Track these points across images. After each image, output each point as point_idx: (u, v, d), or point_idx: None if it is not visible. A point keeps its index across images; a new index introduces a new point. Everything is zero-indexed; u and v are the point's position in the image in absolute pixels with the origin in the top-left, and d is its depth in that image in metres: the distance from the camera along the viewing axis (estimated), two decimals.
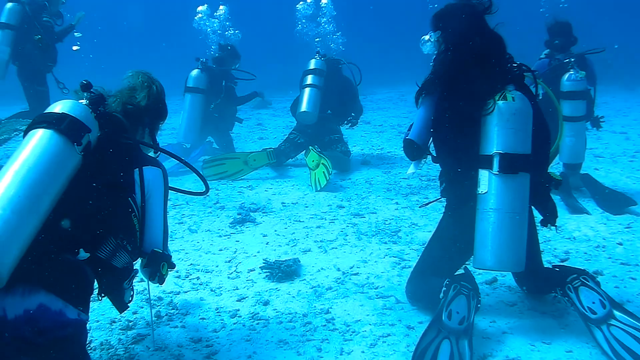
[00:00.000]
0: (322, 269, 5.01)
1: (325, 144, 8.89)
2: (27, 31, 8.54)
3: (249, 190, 7.82)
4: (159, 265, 3.20)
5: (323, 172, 7.70)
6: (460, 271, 4.01)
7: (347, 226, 6.14)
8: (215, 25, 10.77)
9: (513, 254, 3.64)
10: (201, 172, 3.68)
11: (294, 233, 5.97)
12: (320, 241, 5.69)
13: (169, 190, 3.36)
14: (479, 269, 3.80)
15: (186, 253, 5.45)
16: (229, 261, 5.24)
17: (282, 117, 14.55)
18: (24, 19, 8.50)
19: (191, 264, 5.16)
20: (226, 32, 10.80)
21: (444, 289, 3.77)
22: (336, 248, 5.51)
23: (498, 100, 3.63)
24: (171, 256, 3.34)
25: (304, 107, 8.52)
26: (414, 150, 4.04)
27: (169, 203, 3.39)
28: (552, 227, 3.97)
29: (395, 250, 5.39)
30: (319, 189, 7.58)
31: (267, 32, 29.53)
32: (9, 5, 8.44)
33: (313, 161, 8.03)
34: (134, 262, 3.17)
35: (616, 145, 10.06)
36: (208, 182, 3.68)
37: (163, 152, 3.44)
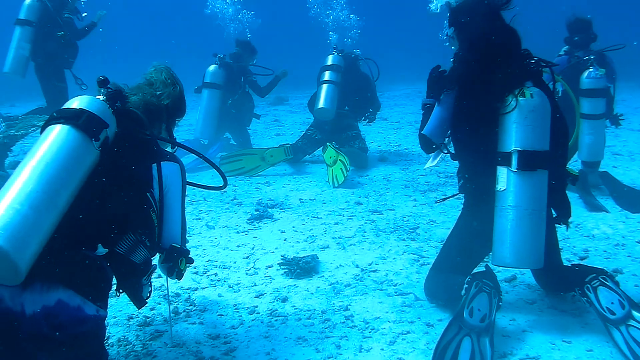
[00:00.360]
0: (340, 265, 4.97)
1: (343, 141, 8.85)
2: (48, 27, 8.52)
3: (267, 186, 7.80)
4: (177, 260, 3.17)
5: (341, 168, 7.65)
6: (482, 268, 3.95)
7: (365, 223, 6.10)
8: (229, 11, 10.74)
9: (532, 251, 3.61)
10: (220, 169, 3.64)
11: (312, 229, 5.93)
12: (339, 238, 5.65)
13: (187, 186, 3.34)
14: (498, 265, 3.77)
15: (204, 249, 5.42)
16: (247, 257, 5.20)
17: (298, 113, 14.56)
18: (43, 15, 8.47)
19: (209, 260, 5.13)
20: (239, 15, 10.76)
21: (465, 286, 3.74)
22: (354, 245, 5.46)
23: (516, 96, 3.59)
24: (189, 251, 3.31)
25: (321, 103, 8.50)
26: (429, 144, 4.04)
27: (186, 199, 3.34)
28: (564, 226, 3.94)
29: (414, 247, 5.35)
30: (336, 185, 7.54)
31: (283, 28, 29.65)
32: (28, 1, 8.41)
33: (331, 157, 7.98)
34: (152, 258, 3.13)
35: (634, 143, 9.96)
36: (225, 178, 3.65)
37: (181, 147, 3.41)
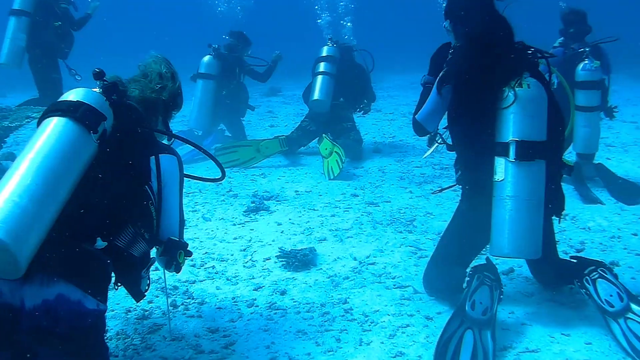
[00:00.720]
0: (338, 258, 4.95)
1: (338, 132, 8.80)
2: (44, 17, 8.43)
3: (262, 178, 7.77)
4: (175, 253, 3.14)
5: (336, 160, 7.63)
6: (481, 261, 3.92)
7: (362, 215, 6.08)
8: None
9: (530, 241, 3.59)
10: (217, 160, 3.62)
11: (308, 222, 5.91)
12: (336, 230, 5.63)
13: (184, 178, 3.31)
14: (496, 256, 3.74)
15: (201, 241, 5.39)
16: (244, 250, 5.18)
17: (292, 104, 14.53)
18: (39, 5, 8.38)
19: (206, 253, 5.10)
20: None
21: (467, 279, 3.73)
22: (352, 237, 5.44)
23: (514, 87, 3.58)
24: (188, 244, 3.27)
25: (316, 95, 8.48)
26: (423, 130, 4.09)
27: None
28: (556, 219, 3.93)
29: (411, 240, 5.33)
30: (332, 177, 7.52)
31: (275, 11, 29.68)
32: None
33: (326, 149, 7.96)
34: (150, 251, 3.10)
35: (627, 134, 9.98)
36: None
37: (179, 139, 3.38)
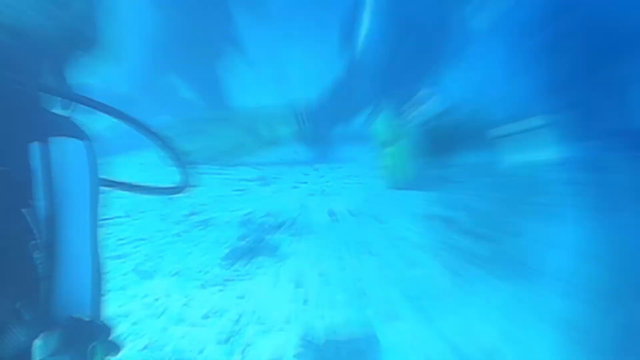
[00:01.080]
0: (423, 350, 4.73)
1: (408, 99, 8.13)
2: None
3: (260, 187, 7.70)
4: (86, 347, 2.75)
5: (405, 152, 7.39)
6: None
7: (463, 262, 5.80)
8: None
9: None
10: (170, 146, 3.23)
11: (358, 276, 5.66)
12: (415, 293, 5.38)
13: (104, 185, 2.93)
14: None
15: (136, 322, 5.16)
16: (227, 341, 4.94)
17: (314, 49, 14.24)
18: None
19: (146, 347, 4.87)
20: None
21: None
22: (448, 308, 5.18)
23: None
24: (111, 329, 2.87)
25: (362, 33, 8.09)
26: None
27: (100, 213, 2.94)
28: None
29: (565, 309, 4.92)
30: (399, 184, 7.36)
31: None
32: None
33: (386, 132, 7.66)
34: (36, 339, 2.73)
35: None
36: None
37: (94, 106, 2.99)
